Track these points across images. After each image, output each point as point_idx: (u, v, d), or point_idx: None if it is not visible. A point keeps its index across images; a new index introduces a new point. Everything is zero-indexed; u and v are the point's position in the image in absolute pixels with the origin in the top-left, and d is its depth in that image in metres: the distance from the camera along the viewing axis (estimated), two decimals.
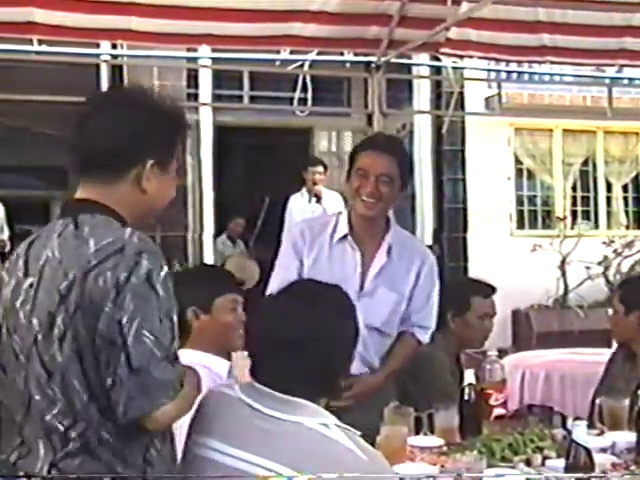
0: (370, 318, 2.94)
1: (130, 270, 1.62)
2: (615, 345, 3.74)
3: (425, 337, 3.20)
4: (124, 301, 1.60)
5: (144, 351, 1.60)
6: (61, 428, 1.66)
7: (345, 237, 3.13)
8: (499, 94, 9.40)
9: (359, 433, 1.84)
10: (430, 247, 11.42)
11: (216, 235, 9.66)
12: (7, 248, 8.92)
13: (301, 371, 1.81)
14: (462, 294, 3.60)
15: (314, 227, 3.21)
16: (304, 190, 7.94)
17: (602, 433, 2.78)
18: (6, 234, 8.89)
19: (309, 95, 8.72)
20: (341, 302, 1.95)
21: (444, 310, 3.41)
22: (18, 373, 1.70)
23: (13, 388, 1.71)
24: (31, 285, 1.67)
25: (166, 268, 1.68)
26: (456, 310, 3.54)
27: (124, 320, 1.60)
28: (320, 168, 7.87)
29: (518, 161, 10.45)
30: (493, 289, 3.60)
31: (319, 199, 7.76)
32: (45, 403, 1.66)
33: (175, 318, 1.70)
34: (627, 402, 2.91)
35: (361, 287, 3.10)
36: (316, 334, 1.82)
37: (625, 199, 10.96)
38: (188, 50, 6.82)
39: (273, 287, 2.84)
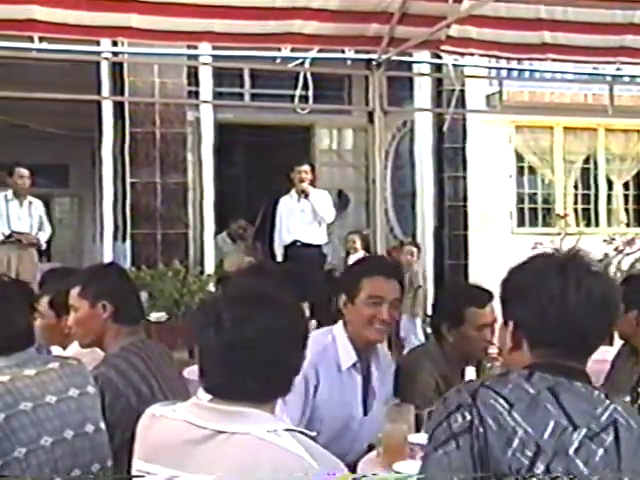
0: (371, 437, 2.83)
1: None
2: (619, 342, 3.73)
3: None
4: None
5: None
6: None
7: (354, 365, 3.04)
8: (500, 92, 9.39)
9: (314, 434, 1.78)
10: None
11: (217, 233, 9.67)
12: (43, 247, 8.34)
13: (256, 372, 1.77)
14: (456, 306, 3.29)
15: (323, 362, 3.01)
16: (293, 191, 8.08)
17: None
18: (47, 232, 8.27)
19: (310, 93, 8.68)
20: (290, 302, 1.90)
21: (439, 323, 3.31)
22: None
23: None
24: (589, 438, 1.70)
25: None
26: (451, 323, 3.26)
27: None
28: (306, 167, 8.08)
29: (519, 159, 10.44)
30: (490, 296, 3.20)
31: (307, 195, 7.92)
32: None
33: None
34: (628, 399, 2.90)
35: (365, 412, 3.07)
36: (269, 334, 1.78)
37: (626, 197, 10.97)
38: (189, 47, 6.80)
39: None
